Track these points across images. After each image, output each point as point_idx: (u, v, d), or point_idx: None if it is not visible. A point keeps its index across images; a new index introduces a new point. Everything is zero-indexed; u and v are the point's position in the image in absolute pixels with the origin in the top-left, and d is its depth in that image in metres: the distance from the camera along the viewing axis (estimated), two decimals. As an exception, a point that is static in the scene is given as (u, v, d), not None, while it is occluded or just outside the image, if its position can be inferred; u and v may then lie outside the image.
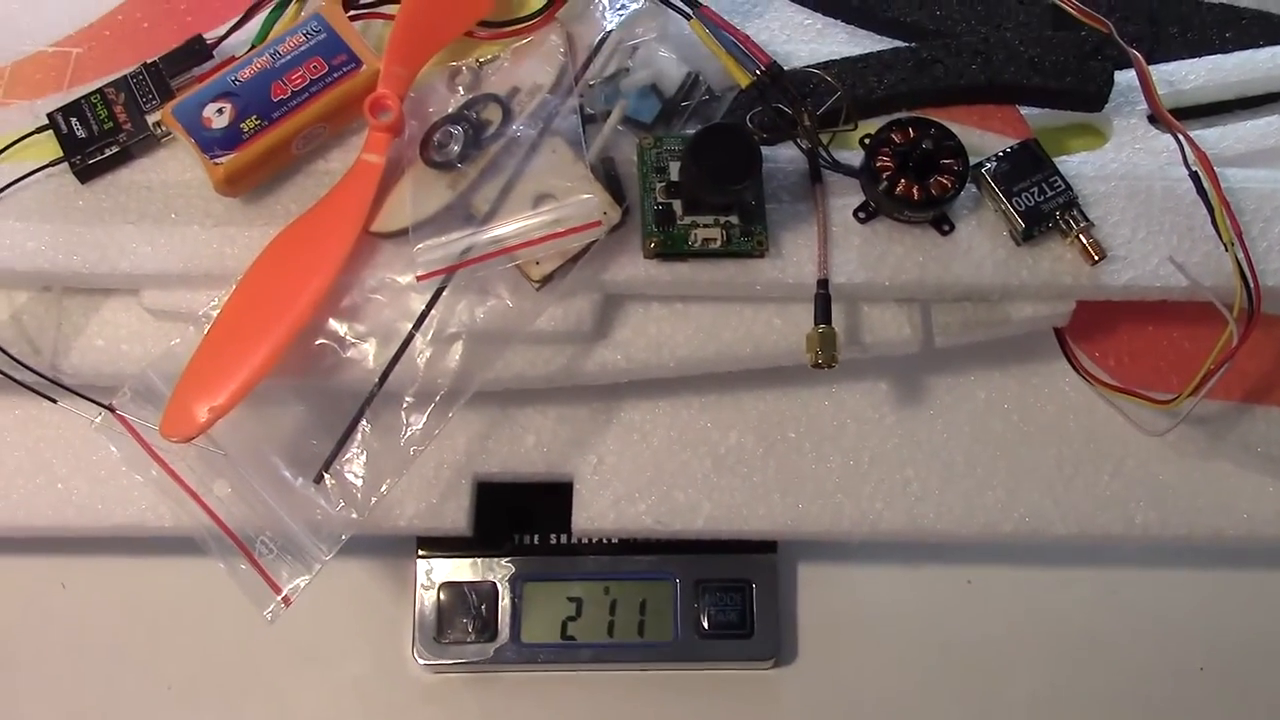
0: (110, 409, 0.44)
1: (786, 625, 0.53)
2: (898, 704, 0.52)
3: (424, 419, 0.43)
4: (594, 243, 0.44)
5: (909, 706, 0.52)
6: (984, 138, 0.49)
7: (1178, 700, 0.52)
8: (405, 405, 0.44)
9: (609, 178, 0.46)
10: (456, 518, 0.49)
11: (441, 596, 0.52)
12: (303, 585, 0.42)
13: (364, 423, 0.43)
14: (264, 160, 0.46)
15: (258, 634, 0.52)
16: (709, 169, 0.43)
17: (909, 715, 0.52)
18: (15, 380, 0.47)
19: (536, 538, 0.53)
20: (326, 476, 0.43)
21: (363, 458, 0.43)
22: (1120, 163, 0.49)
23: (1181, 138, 0.47)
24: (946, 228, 0.46)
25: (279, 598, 0.42)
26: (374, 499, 0.43)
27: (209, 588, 0.52)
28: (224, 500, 0.43)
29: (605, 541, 0.52)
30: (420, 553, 0.52)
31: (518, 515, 0.53)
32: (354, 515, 0.43)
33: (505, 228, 0.43)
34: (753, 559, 0.52)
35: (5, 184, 0.47)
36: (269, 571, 0.42)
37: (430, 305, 0.44)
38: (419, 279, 0.44)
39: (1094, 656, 0.53)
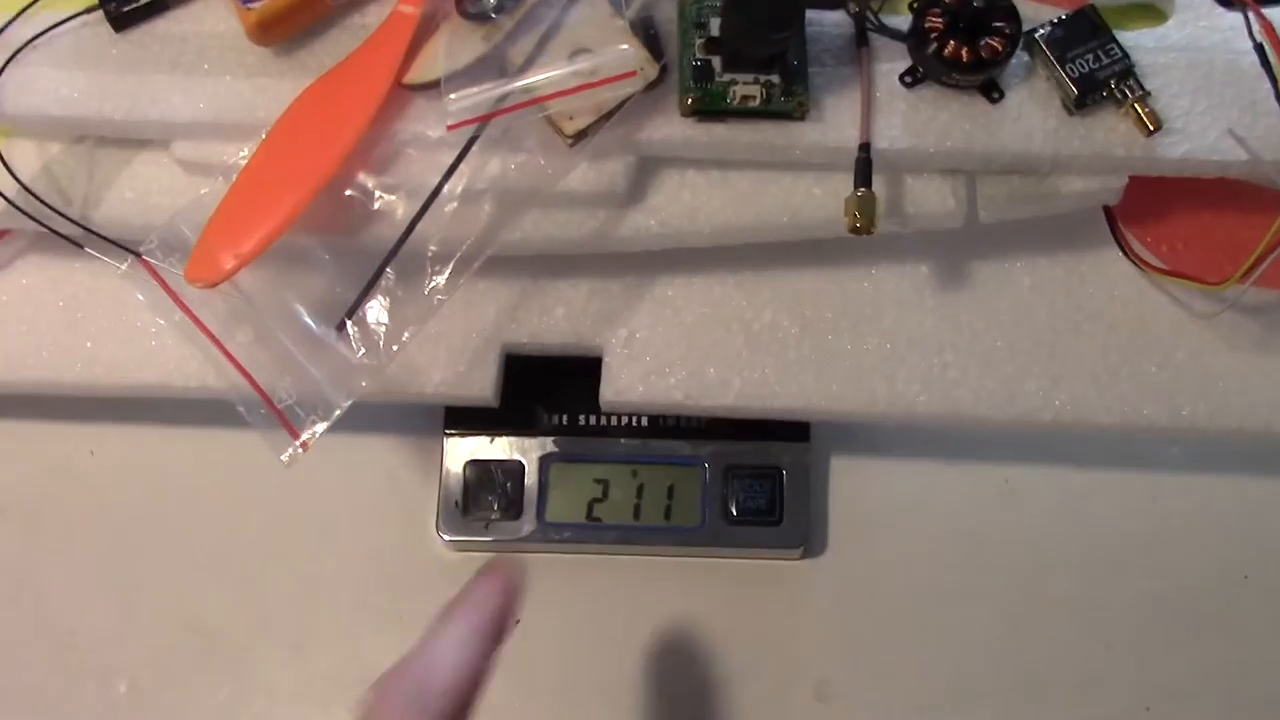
0: (138, 255, 0.44)
1: (817, 515, 0.52)
2: (926, 601, 0.51)
3: (448, 270, 0.42)
4: (629, 99, 0.43)
5: (938, 605, 0.51)
6: (1039, 10, 0.47)
7: (1221, 608, 0.51)
8: (430, 255, 0.43)
9: (648, 36, 0.45)
10: (484, 387, 0.48)
11: (467, 473, 0.51)
12: (320, 431, 0.41)
13: (388, 271, 0.42)
14: (297, 8, 0.45)
15: (284, 505, 0.53)
16: (750, 16, 0.42)
17: (937, 613, 0.51)
18: (46, 227, 0.46)
19: (565, 418, 0.52)
20: (349, 324, 0.42)
21: (386, 305, 0.42)
22: (1182, 36, 0.47)
23: (1249, 10, 0.45)
24: (996, 95, 0.45)
25: (297, 442, 0.41)
26: (395, 347, 0.42)
27: (237, 457, 0.53)
28: (245, 347, 0.43)
29: (634, 423, 0.52)
30: (448, 430, 0.52)
31: (546, 394, 0.52)
32: (375, 363, 0.42)
33: (539, 76, 0.42)
34: (784, 446, 0.51)
35: (42, 30, 0.46)
36: (288, 417, 0.41)
37: (460, 157, 0.43)
38: (449, 128, 0.43)
39: (1132, 562, 0.52)
